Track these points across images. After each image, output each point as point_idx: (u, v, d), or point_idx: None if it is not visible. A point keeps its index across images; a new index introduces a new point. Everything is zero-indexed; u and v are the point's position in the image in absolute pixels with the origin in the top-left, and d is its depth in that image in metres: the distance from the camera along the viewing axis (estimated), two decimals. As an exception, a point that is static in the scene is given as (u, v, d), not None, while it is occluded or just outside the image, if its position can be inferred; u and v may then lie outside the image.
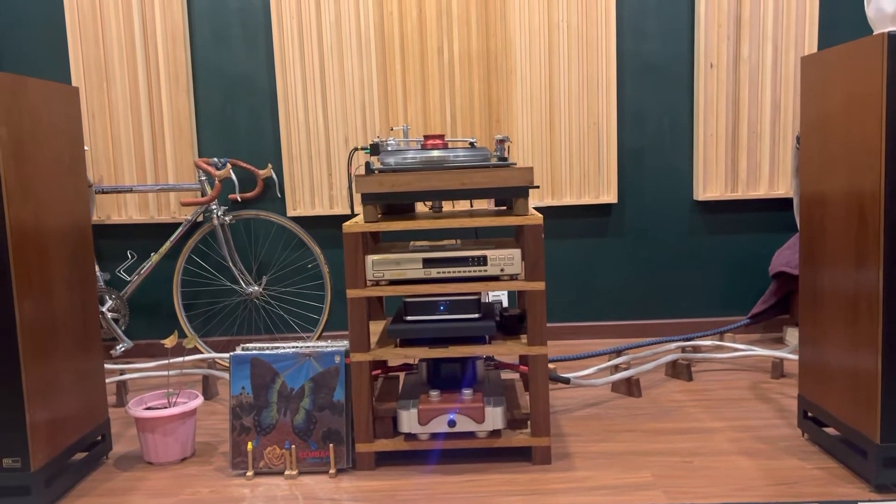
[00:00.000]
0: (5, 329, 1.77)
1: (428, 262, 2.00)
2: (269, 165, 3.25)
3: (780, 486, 1.86)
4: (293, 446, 2.05)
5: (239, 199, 3.23)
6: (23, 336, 1.79)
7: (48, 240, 1.92)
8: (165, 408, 2.19)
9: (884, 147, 1.69)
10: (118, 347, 3.07)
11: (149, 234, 3.34)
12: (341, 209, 3.26)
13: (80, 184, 2.10)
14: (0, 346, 1.78)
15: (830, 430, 2.07)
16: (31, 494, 1.83)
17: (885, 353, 1.74)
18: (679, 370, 2.79)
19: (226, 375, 2.80)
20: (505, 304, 2.89)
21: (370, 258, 2.01)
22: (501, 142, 2.08)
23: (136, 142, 3.23)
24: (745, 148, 3.21)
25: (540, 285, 1.99)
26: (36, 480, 1.83)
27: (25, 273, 1.81)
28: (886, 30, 1.82)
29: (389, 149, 2.12)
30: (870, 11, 1.86)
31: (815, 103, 2.00)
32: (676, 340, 3.00)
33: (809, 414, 2.13)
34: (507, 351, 2.02)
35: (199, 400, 2.22)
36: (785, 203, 3.30)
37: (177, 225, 3.32)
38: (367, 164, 2.04)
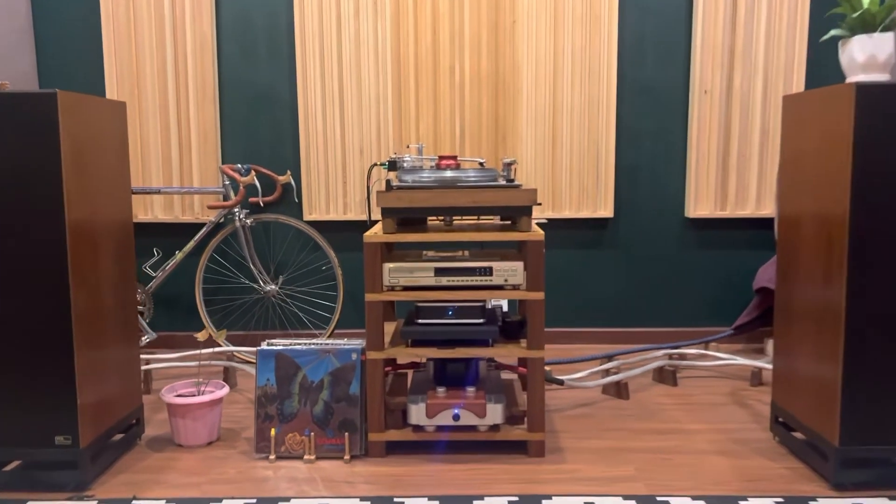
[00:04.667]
0: (62, 319, 1.99)
1: (439, 272, 2.22)
2: (288, 172, 3.46)
3: (748, 483, 2.08)
4: (312, 434, 2.27)
5: (261, 204, 3.44)
6: (76, 325, 2.00)
7: (98, 239, 2.14)
8: (195, 396, 2.40)
9: (850, 182, 1.91)
10: (143, 338, 3.28)
11: (173, 233, 3.55)
12: (355, 215, 3.48)
13: (125, 188, 2.32)
14: (57, 335, 1.99)
15: (798, 434, 2.29)
16: (79, 469, 2.04)
17: (846, 364, 1.96)
18: (665, 375, 3.01)
19: (245, 367, 3.02)
20: (505, 308, 3.11)
21: (387, 266, 2.22)
22: (508, 164, 2.30)
23: (164, 147, 3.44)
24: (735, 170, 3.43)
25: (539, 295, 2.21)
26: (83, 456, 2.04)
27: (80, 269, 2.03)
28: (856, 78, 2.04)
29: (406, 166, 2.33)
30: (843, 60, 2.08)
31: (794, 139, 2.21)
32: (664, 348, 3.22)
33: (780, 419, 2.35)
34: (507, 353, 2.24)
35: (226, 389, 2.43)
36: (770, 222, 3.52)
37: (199, 225, 3.53)
38: (388, 182, 2.26)
